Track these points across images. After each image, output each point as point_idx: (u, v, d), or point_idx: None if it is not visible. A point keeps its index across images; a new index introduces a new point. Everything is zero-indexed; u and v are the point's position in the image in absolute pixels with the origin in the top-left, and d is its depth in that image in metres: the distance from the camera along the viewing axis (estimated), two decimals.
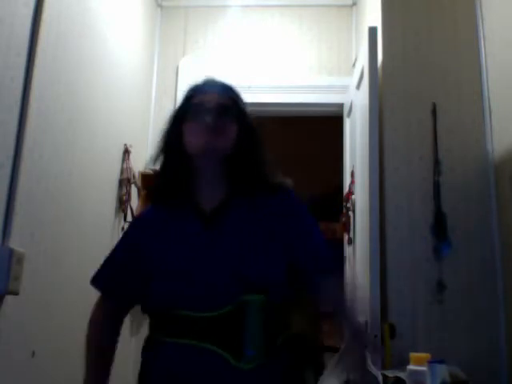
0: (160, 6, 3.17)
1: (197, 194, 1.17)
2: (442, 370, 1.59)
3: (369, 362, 1.71)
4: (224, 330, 1.03)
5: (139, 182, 2.78)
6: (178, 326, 1.06)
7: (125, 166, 2.53)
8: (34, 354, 1.62)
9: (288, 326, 1.14)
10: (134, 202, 2.69)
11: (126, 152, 2.55)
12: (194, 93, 1.19)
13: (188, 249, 1.12)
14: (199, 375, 1.02)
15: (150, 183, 2.79)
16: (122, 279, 1.19)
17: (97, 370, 1.17)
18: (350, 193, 2.51)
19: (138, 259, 1.15)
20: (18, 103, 1.53)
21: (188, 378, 1.03)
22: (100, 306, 1.22)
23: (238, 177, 1.16)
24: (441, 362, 1.61)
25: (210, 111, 1.12)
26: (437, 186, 2.12)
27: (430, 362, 1.59)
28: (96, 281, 1.23)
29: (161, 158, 1.21)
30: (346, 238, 2.62)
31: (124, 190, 2.50)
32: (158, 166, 1.23)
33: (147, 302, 1.13)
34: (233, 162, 1.16)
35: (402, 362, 1.72)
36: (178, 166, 1.17)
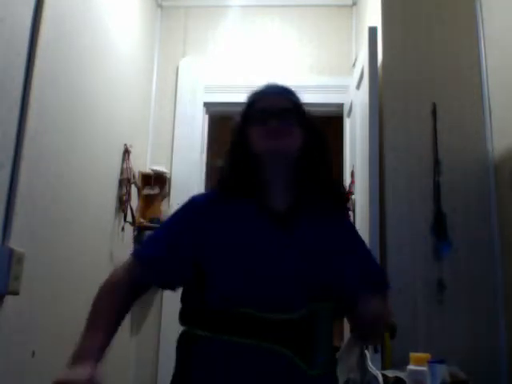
0: (160, 6, 3.17)
1: (264, 194, 1.16)
2: (442, 370, 1.59)
3: (369, 362, 1.72)
4: (296, 334, 1.02)
5: (139, 182, 2.78)
6: (244, 325, 1.02)
7: (125, 165, 2.53)
8: (34, 354, 1.62)
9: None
10: (134, 202, 2.69)
11: (126, 152, 2.55)
12: (257, 97, 1.21)
13: (259, 247, 1.10)
14: (265, 377, 1.00)
15: (149, 183, 2.80)
16: (169, 258, 1.12)
17: (103, 331, 1.05)
18: (350, 193, 2.51)
19: (192, 245, 1.11)
20: (18, 103, 1.53)
21: (252, 379, 1.00)
22: (128, 271, 1.12)
23: (307, 180, 1.17)
24: (441, 361, 1.61)
25: (273, 115, 1.14)
26: (437, 186, 2.12)
27: (430, 362, 1.59)
28: (139, 252, 1.17)
29: (227, 161, 1.21)
30: None
31: (124, 190, 2.51)
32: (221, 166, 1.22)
33: (205, 295, 1.06)
34: (301, 166, 1.17)
35: (402, 362, 1.71)
36: (244, 168, 1.17)
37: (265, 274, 1.06)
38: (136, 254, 1.16)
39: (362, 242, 1.26)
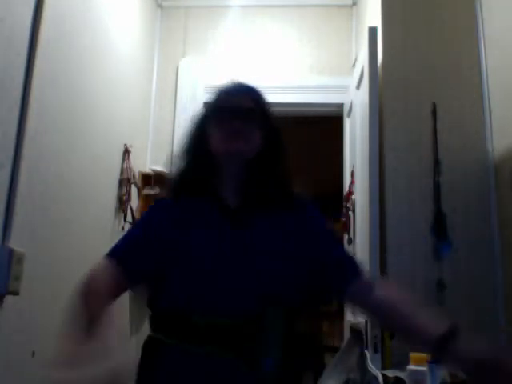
0: (160, 6, 3.17)
1: (220, 192, 1.17)
2: (442, 370, 1.59)
3: (369, 362, 1.72)
4: (243, 339, 1.01)
5: (139, 182, 2.78)
6: (191, 330, 1.02)
7: (125, 165, 2.53)
8: (33, 354, 1.62)
9: (300, 336, 1.13)
10: (134, 201, 2.69)
11: (126, 152, 2.55)
12: (220, 95, 1.21)
13: (212, 247, 1.09)
14: (208, 382, 1.00)
15: (149, 183, 2.80)
16: (139, 255, 1.13)
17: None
18: (350, 193, 2.51)
19: (156, 242, 1.12)
20: (18, 103, 1.53)
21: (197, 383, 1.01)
22: (105, 268, 1.13)
23: (261, 182, 1.16)
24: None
25: (234, 115, 1.13)
26: (437, 186, 2.12)
27: (430, 362, 1.59)
28: (111, 253, 1.16)
29: (184, 157, 1.21)
30: (345, 237, 2.62)
31: (124, 190, 2.51)
32: (177, 164, 1.22)
33: (161, 299, 1.08)
34: (256, 166, 1.16)
35: (402, 362, 1.71)
36: (202, 164, 1.17)
37: (219, 277, 1.05)
38: (108, 253, 1.16)
39: (326, 236, 1.21)
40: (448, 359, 0.95)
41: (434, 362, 1.34)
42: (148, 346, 1.10)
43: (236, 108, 1.14)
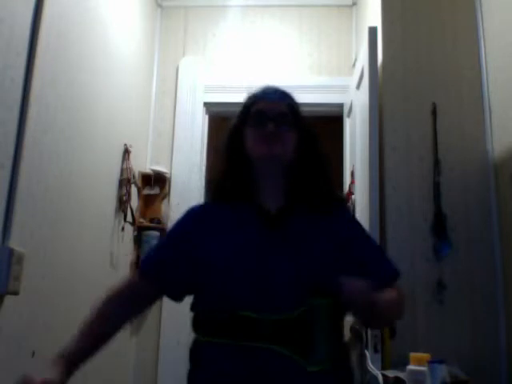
0: (160, 6, 3.17)
1: (258, 197, 1.17)
2: (442, 370, 1.59)
3: (369, 362, 1.72)
4: (293, 332, 1.02)
5: (139, 182, 2.78)
6: (242, 328, 1.03)
7: (125, 165, 2.53)
8: (33, 354, 1.62)
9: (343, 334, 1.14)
10: (134, 201, 2.69)
11: (126, 152, 2.55)
12: (255, 100, 1.21)
13: (252, 249, 1.11)
14: (265, 377, 1.01)
15: (149, 183, 2.80)
16: (170, 266, 1.16)
17: (92, 337, 1.08)
18: (350, 193, 2.51)
19: (191, 252, 1.14)
20: (18, 103, 1.53)
21: (252, 379, 1.01)
22: (130, 281, 1.19)
23: (299, 185, 1.18)
24: (441, 362, 1.61)
25: (270, 119, 1.14)
26: (437, 186, 2.12)
27: (430, 362, 1.59)
28: (143, 266, 1.20)
29: (221, 162, 1.22)
30: None
31: (124, 190, 2.51)
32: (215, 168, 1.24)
33: (205, 300, 1.11)
34: (294, 170, 1.17)
35: (402, 362, 1.71)
36: (239, 170, 1.18)
37: (260, 275, 1.07)
38: (139, 265, 1.21)
39: (365, 236, 1.24)
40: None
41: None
42: (197, 349, 1.11)
43: (270, 112, 1.16)
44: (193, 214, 1.23)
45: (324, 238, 1.14)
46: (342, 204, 1.23)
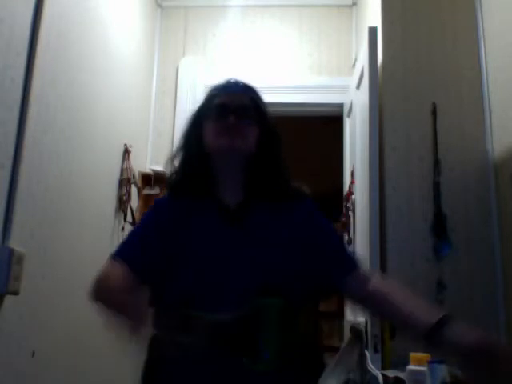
0: (160, 6, 3.17)
1: (217, 191, 1.16)
2: (442, 370, 1.59)
3: (369, 362, 1.72)
4: (241, 332, 1.01)
5: (139, 182, 2.78)
6: (192, 326, 1.03)
7: (125, 165, 2.53)
8: (33, 354, 1.62)
9: (300, 331, 1.12)
10: (134, 201, 2.69)
11: (126, 152, 2.55)
12: (217, 92, 1.19)
13: (211, 245, 1.10)
14: (212, 376, 1.01)
15: (149, 183, 2.80)
16: (143, 255, 1.12)
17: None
18: (350, 193, 2.52)
19: (159, 242, 1.12)
20: (18, 103, 1.53)
21: (200, 379, 1.02)
22: (114, 267, 1.11)
23: (259, 179, 1.16)
24: (441, 362, 1.61)
25: (231, 112, 1.12)
26: (437, 186, 2.12)
27: (430, 362, 1.59)
28: (117, 253, 1.14)
29: (180, 155, 1.21)
30: (345, 238, 2.62)
31: (124, 190, 2.50)
32: (175, 163, 1.22)
33: (160, 296, 1.09)
34: (254, 164, 1.16)
35: (402, 362, 1.71)
36: (198, 164, 1.16)
37: (216, 274, 1.06)
38: (113, 254, 1.15)
39: (325, 229, 1.21)
40: (441, 347, 0.95)
41: (429, 351, 1.32)
42: (151, 344, 1.11)
43: (232, 104, 1.14)
44: (158, 207, 1.22)
45: (283, 234, 1.13)
46: (301, 198, 1.20)
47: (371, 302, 1.13)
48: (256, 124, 1.16)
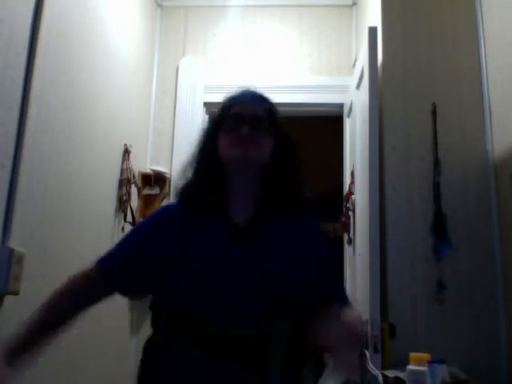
0: (160, 6, 3.17)
1: (227, 203, 1.14)
2: (442, 370, 1.59)
3: (369, 361, 1.72)
4: (247, 351, 1.00)
5: (139, 182, 2.78)
6: (197, 337, 1.02)
7: (125, 165, 2.53)
8: None
9: (307, 347, 1.11)
10: (134, 201, 2.69)
11: (126, 152, 2.55)
12: (232, 103, 1.19)
13: (217, 260, 1.08)
14: None
15: (149, 183, 2.80)
16: (129, 269, 1.12)
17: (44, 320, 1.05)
18: (350, 193, 2.51)
19: (157, 252, 1.10)
20: (18, 103, 1.53)
21: None
22: (87, 275, 1.12)
23: (272, 190, 1.14)
24: (441, 361, 1.61)
25: (245, 122, 1.11)
26: (437, 186, 2.12)
27: (430, 362, 1.59)
28: (102, 260, 1.14)
29: (193, 165, 1.19)
30: (345, 237, 2.62)
31: (124, 190, 2.50)
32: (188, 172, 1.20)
33: (165, 303, 1.09)
34: (267, 175, 1.14)
35: (402, 362, 1.71)
36: (211, 174, 1.15)
37: (217, 290, 1.05)
38: (97, 261, 1.14)
39: (330, 256, 1.19)
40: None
41: None
42: (149, 348, 1.10)
43: (246, 115, 1.13)
44: (160, 215, 1.20)
45: (297, 245, 1.11)
46: (310, 214, 1.19)
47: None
48: (270, 135, 1.14)
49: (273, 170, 1.14)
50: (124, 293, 1.16)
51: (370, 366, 1.74)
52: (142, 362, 1.11)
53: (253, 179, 1.14)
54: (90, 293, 1.12)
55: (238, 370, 0.99)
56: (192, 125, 2.98)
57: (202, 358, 1.00)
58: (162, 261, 1.09)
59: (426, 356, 1.62)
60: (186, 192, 1.17)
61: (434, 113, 2.20)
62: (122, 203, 2.50)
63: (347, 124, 2.82)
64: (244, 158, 1.10)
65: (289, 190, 1.15)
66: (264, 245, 1.10)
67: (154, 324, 1.12)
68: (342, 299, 1.14)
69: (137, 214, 2.70)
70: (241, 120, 1.12)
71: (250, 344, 1.00)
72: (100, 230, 2.24)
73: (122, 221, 2.50)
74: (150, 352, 1.09)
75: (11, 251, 1.46)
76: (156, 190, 2.82)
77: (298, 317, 1.06)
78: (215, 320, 1.02)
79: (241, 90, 1.22)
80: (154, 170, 2.84)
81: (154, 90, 3.04)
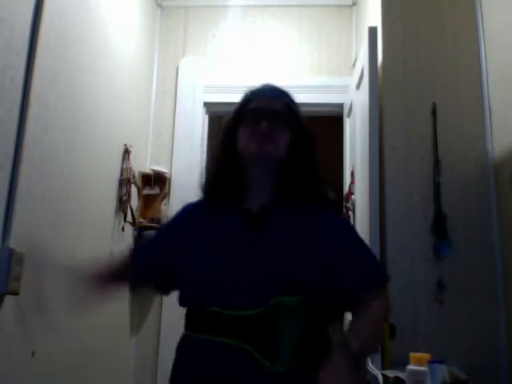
0: (160, 6, 3.17)
1: (245, 194, 1.17)
2: (442, 370, 1.59)
3: (369, 361, 1.72)
4: (258, 329, 1.01)
5: (139, 182, 2.78)
6: (210, 322, 1.04)
7: (125, 165, 2.53)
8: (33, 354, 1.62)
9: (320, 335, 1.10)
10: (134, 201, 2.69)
11: (126, 152, 2.55)
12: (251, 97, 1.21)
13: (229, 245, 1.12)
14: (227, 373, 1.01)
15: (149, 183, 2.80)
16: (154, 262, 1.23)
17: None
18: (350, 193, 2.51)
19: (177, 246, 1.17)
20: (18, 103, 1.53)
21: (216, 374, 1.02)
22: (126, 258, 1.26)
23: (289, 183, 1.16)
24: (441, 362, 1.61)
25: (264, 117, 1.13)
26: (437, 186, 2.12)
27: (430, 362, 1.59)
28: (133, 250, 1.31)
29: (214, 160, 1.25)
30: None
31: (124, 190, 2.51)
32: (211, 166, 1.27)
33: (182, 295, 1.13)
34: (285, 169, 1.16)
35: (402, 362, 1.71)
36: (231, 167, 1.18)
37: (233, 272, 1.07)
38: (130, 252, 1.29)
39: (354, 239, 1.19)
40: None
41: None
42: (180, 342, 1.14)
43: (265, 110, 1.15)
44: (184, 208, 1.27)
45: (302, 238, 1.12)
46: (328, 205, 1.20)
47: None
48: (288, 129, 1.16)
49: (290, 163, 1.16)
50: (155, 287, 1.29)
51: (370, 366, 1.74)
52: (174, 358, 1.14)
53: (269, 172, 1.17)
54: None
55: (249, 349, 1.00)
56: (192, 125, 2.98)
57: (216, 342, 1.03)
58: (180, 252, 1.15)
59: (426, 356, 1.62)
60: (207, 184, 1.23)
61: (433, 113, 2.20)
62: (122, 203, 2.50)
63: (347, 124, 2.82)
64: (261, 153, 1.13)
65: (305, 183, 1.17)
66: (275, 228, 1.12)
67: (185, 320, 1.14)
68: (367, 286, 1.11)
69: (137, 214, 2.70)
70: (259, 115, 1.15)
71: (258, 322, 1.02)
72: (100, 230, 2.24)
73: (122, 221, 2.50)
74: (178, 346, 1.13)
75: (11, 251, 1.46)
76: (156, 190, 2.82)
77: (319, 298, 1.07)
78: (229, 301, 1.04)
79: (260, 84, 1.24)
80: (154, 170, 2.84)
81: (154, 89, 3.05)
